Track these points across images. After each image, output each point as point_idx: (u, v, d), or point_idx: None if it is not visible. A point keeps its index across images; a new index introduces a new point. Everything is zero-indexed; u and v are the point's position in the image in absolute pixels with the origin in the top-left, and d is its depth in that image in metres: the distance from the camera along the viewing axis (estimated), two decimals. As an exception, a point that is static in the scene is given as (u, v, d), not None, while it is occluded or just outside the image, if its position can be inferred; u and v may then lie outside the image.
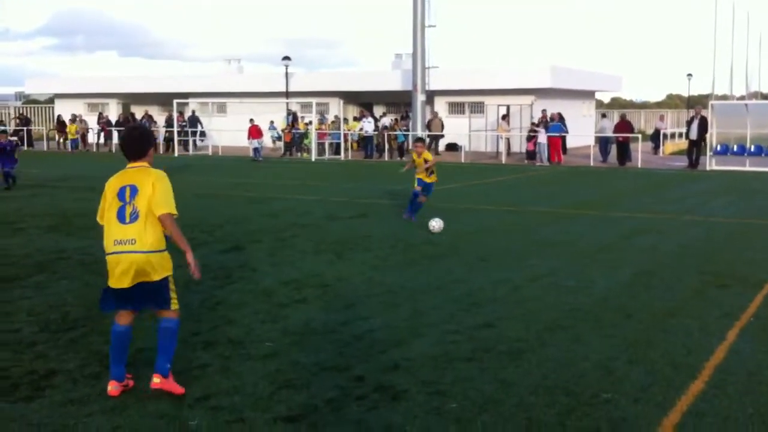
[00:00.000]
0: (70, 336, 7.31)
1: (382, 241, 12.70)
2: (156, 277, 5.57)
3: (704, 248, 12.15)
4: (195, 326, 7.58)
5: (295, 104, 42.26)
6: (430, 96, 39.64)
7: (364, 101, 45.09)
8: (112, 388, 5.69)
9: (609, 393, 5.80)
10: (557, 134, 32.60)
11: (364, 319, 7.93)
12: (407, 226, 14.38)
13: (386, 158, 35.16)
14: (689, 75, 64.04)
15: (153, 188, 5.57)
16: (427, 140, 17.65)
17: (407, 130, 36.80)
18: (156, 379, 5.71)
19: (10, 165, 21.56)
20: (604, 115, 36.47)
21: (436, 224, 13.31)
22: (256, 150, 34.42)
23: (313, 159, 35.09)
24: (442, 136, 38.40)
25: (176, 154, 37.83)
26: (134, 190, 5.58)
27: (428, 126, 37.81)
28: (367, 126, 37.10)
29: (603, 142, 33.57)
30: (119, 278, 5.53)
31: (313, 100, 37.51)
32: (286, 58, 41.72)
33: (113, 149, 41.37)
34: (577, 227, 14.34)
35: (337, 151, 36.64)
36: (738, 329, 7.52)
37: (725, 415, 5.38)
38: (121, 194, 5.61)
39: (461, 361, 6.60)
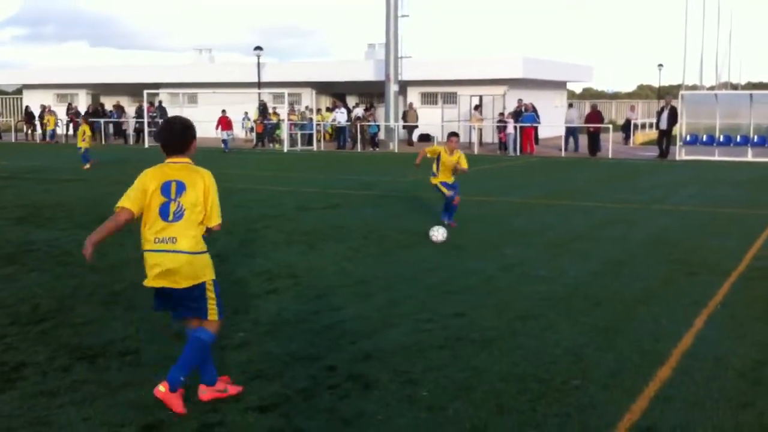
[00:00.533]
0: (40, 328, 7.25)
1: (355, 231, 12.71)
2: (193, 282, 5.15)
3: (673, 237, 12.29)
4: (167, 317, 7.54)
5: (267, 95, 42.07)
6: (403, 86, 39.63)
7: (336, 92, 45.00)
8: (201, 392, 5.42)
9: (579, 380, 5.87)
10: (530, 124, 32.75)
11: (336, 309, 7.94)
12: (380, 217, 14.40)
13: (359, 149, 35.13)
14: (660, 65, 64.60)
15: (206, 193, 5.21)
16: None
17: (373, 121, 36.78)
18: (161, 387, 5.23)
19: None
20: (570, 105, 36.68)
21: (438, 234, 11.63)
22: (225, 141, 34.22)
23: (285, 150, 34.97)
24: (416, 126, 38.44)
25: (146, 145, 37.53)
26: (181, 187, 5.17)
27: (404, 117, 37.83)
28: (340, 116, 37.05)
29: (567, 133, 33.73)
30: (157, 278, 5.13)
31: (286, 91, 37.35)
32: (258, 48, 41.50)
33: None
34: (549, 217, 14.45)
35: (309, 142, 36.54)
36: (705, 316, 7.64)
37: (692, 400, 5.47)
38: (165, 189, 5.16)
39: (433, 349, 6.64)
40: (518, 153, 31.99)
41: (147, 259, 5.18)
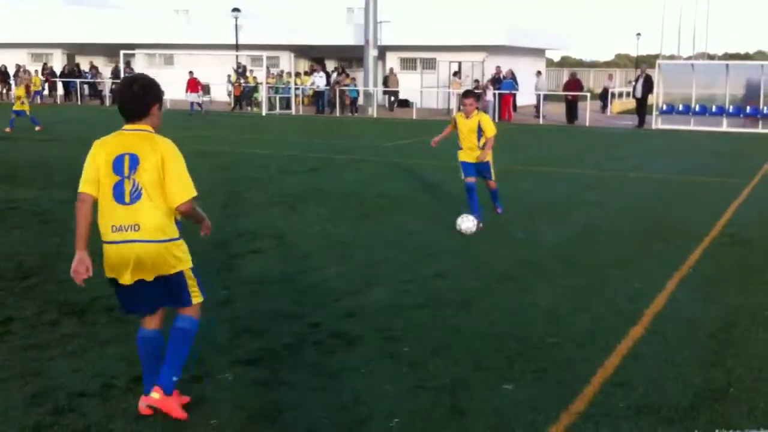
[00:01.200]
0: (25, 284, 7.33)
1: (335, 194, 12.82)
2: (169, 271, 4.42)
3: (648, 204, 12.53)
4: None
5: (245, 57, 41.77)
6: (382, 51, 39.51)
7: (315, 56, 44.75)
8: (143, 405, 4.61)
9: (555, 338, 6.07)
10: (508, 92, 32.87)
11: (319, 269, 8.08)
12: (360, 180, 14.50)
13: (338, 114, 35.09)
14: (638, 35, 64.91)
15: (164, 165, 4.31)
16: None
17: (353, 86, 36.71)
18: (155, 395, 4.53)
19: None
20: (539, 73, 36.78)
21: (467, 224, 9.74)
22: (193, 104, 33.94)
23: (263, 113, 34.85)
24: (397, 92, 38.41)
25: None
26: (135, 161, 4.30)
27: (386, 82, 37.75)
28: (319, 81, 36.92)
29: (538, 100, 33.85)
30: (120, 272, 4.37)
31: (264, 54, 37.11)
32: (236, 9, 41.10)
33: (58, 100, 40.52)
34: (526, 183, 14.63)
35: (288, 106, 36.43)
36: (678, 280, 7.86)
37: (663, 358, 5.68)
38: (117, 165, 4.32)
39: (414, 309, 6.80)
40: (496, 120, 32.14)
41: (107, 253, 4.36)
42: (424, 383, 5.17)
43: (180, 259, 4.46)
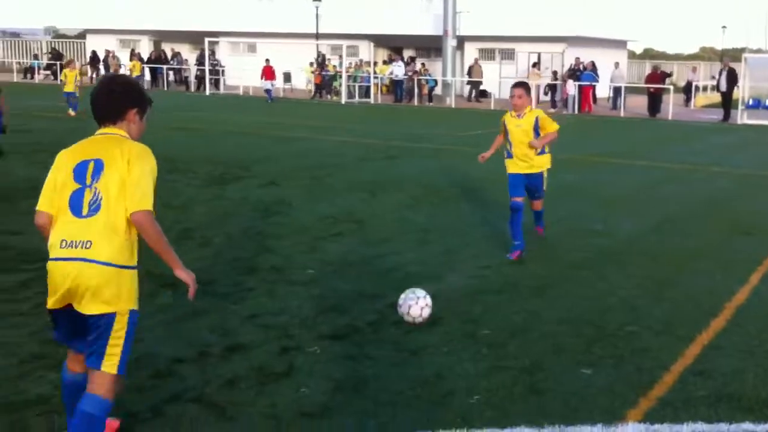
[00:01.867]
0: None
1: (414, 182, 13.00)
2: (104, 309, 3.60)
3: (730, 198, 12.34)
4: (238, 252, 8.01)
5: (325, 46, 42.25)
6: (461, 42, 39.44)
7: (394, 45, 44.94)
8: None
9: (633, 326, 6.14)
10: (588, 83, 32.49)
11: (398, 253, 8.29)
12: (437, 169, 14.65)
13: (416, 103, 35.23)
14: (723, 27, 63.09)
15: (128, 170, 3.67)
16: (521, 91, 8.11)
17: (430, 75, 36.75)
18: None
19: None
20: (617, 65, 36.12)
21: (415, 309, 5.98)
22: (270, 91, 34.51)
23: (343, 102, 35.25)
24: (480, 82, 38.30)
25: (207, 92, 38.15)
26: (99, 167, 3.68)
27: (469, 72, 37.67)
28: (397, 70, 37.12)
29: (614, 92, 33.31)
30: (59, 297, 3.63)
31: (344, 43, 37.49)
32: (318, -2, 41.57)
33: (145, 86, 41.69)
34: (604, 175, 14.55)
35: (366, 94, 36.76)
36: (761, 274, 7.79)
37: (744, 349, 5.70)
38: (79, 172, 3.70)
39: (491, 294, 6.95)
40: (576, 111, 31.80)
41: (51, 271, 3.64)
42: (502, 364, 5.33)
43: (124, 295, 3.64)
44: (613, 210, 11.04)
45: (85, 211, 3.63)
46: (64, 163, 3.75)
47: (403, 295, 6.03)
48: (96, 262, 3.56)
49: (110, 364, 3.62)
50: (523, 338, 5.84)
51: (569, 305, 6.67)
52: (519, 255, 8.09)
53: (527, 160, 8.22)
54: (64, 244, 3.60)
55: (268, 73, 34.88)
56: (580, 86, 32.22)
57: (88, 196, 3.64)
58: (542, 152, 8.31)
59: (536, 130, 8.16)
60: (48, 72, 45.87)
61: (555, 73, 34.93)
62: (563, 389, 4.95)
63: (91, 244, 3.57)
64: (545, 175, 8.46)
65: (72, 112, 23.78)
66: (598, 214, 10.71)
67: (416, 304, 5.93)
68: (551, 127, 8.23)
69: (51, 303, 3.68)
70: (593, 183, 13.44)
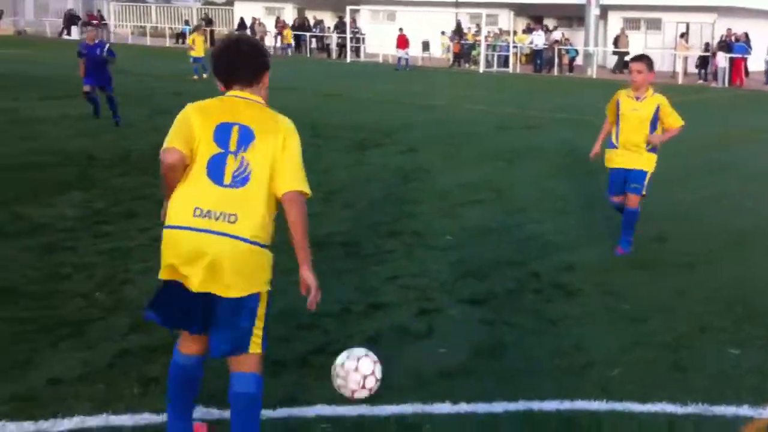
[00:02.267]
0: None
1: (553, 152, 12.81)
2: (248, 290, 3.31)
3: None
4: (379, 216, 8.18)
5: (464, 15, 41.93)
6: (604, 11, 38.19)
7: (534, 13, 44.05)
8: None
9: (786, 308, 5.89)
10: (741, 55, 30.87)
11: (537, 222, 8.24)
12: (578, 140, 14.35)
13: (555, 73, 34.50)
14: None
15: (284, 149, 3.35)
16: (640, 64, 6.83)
17: (570, 45, 35.81)
18: None
19: (106, 83, 14.16)
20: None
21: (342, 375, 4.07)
22: (400, 59, 34.48)
23: (481, 71, 34.97)
24: (627, 53, 37.09)
25: (348, 60, 38.71)
26: (247, 135, 3.33)
27: (615, 42, 36.52)
28: (537, 39, 36.43)
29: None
30: (190, 272, 3.26)
31: (483, 11, 37.08)
32: (458, -34, 41.24)
33: (289, 53, 42.70)
34: (753, 151, 13.84)
35: (505, 64, 36.30)
36: None
37: None
38: (221, 136, 3.32)
39: (633, 268, 6.81)
40: (726, 84, 30.32)
41: (177, 241, 3.27)
42: (644, 339, 5.24)
43: (266, 275, 3.39)
44: (763, 187, 10.54)
45: (227, 179, 3.26)
46: (198, 120, 3.34)
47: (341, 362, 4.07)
48: (242, 240, 3.23)
49: (256, 344, 3.37)
50: (666, 315, 5.71)
51: (716, 284, 6.45)
52: (624, 252, 7.10)
53: (636, 151, 6.93)
54: (199, 212, 3.23)
55: (401, 41, 34.97)
56: (731, 58, 30.66)
57: (231, 164, 3.27)
58: (653, 150, 7.01)
59: (654, 122, 6.91)
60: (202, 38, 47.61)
61: (707, 44, 33.30)
62: (708, 368, 4.82)
63: (236, 218, 3.22)
64: (648, 176, 7.07)
65: (197, 77, 24.57)
66: (747, 191, 10.25)
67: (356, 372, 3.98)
68: (675, 122, 6.93)
69: (168, 274, 3.31)
70: (742, 159, 12.83)
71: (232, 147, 3.28)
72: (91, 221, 7.63)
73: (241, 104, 3.40)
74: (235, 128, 3.31)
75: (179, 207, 3.28)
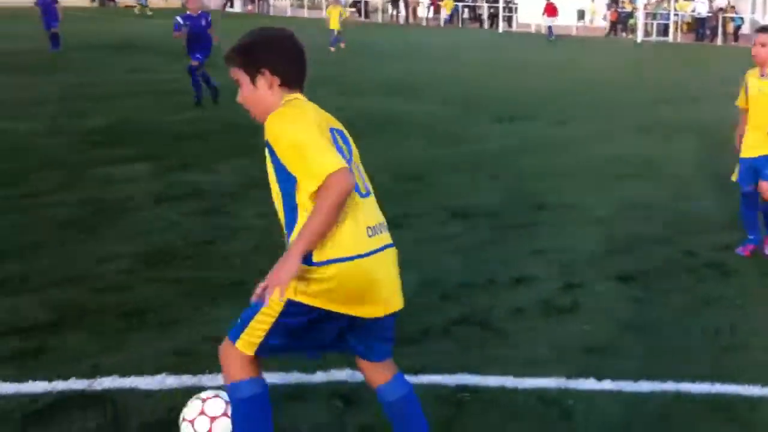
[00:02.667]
0: (412, 187, 8.12)
1: (714, 128, 12.16)
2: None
3: None
4: (527, 188, 8.13)
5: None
6: (777, -25, 35.82)
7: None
8: None
9: None
10: None
11: (694, 199, 7.92)
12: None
13: (719, 42, 32.74)
14: None
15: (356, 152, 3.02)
16: None
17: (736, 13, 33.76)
18: None
19: (204, 55, 13.27)
20: None
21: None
22: (551, 28, 33.47)
23: (638, 40, 33.66)
24: (791, 21, 34.80)
25: (500, 30, 38.28)
26: (346, 141, 2.97)
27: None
28: (700, 7, 34.64)
29: None
30: (381, 299, 2.90)
31: (644, -23, 35.57)
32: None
33: (441, 23, 42.62)
34: None
35: (665, 33, 34.77)
36: None
37: None
38: (335, 141, 2.89)
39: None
40: None
41: (367, 271, 2.83)
42: (809, 325, 4.96)
43: None
44: None
45: (363, 188, 2.90)
46: (319, 122, 2.86)
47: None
48: (394, 247, 2.98)
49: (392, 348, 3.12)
50: (833, 301, 5.37)
51: None
52: (753, 250, 6.20)
53: (762, 145, 5.95)
54: (371, 232, 2.86)
55: (549, 9, 33.92)
56: None
57: (355, 171, 2.89)
58: None
59: None
60: (353, 9, 48.35)
61: None
62: None
63: (386, 226, 2.97)
64: None
65: (333, 48, 24.54)
66: None
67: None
68: None
69: (376, 311, 2.89)
70: None
71: (346, 153, 2.88)
72: (248, 187, 7.95)
73: (321, 110, 2.97)
74: (338, 135, 2.91)
75: (352, 231, 2.79)
